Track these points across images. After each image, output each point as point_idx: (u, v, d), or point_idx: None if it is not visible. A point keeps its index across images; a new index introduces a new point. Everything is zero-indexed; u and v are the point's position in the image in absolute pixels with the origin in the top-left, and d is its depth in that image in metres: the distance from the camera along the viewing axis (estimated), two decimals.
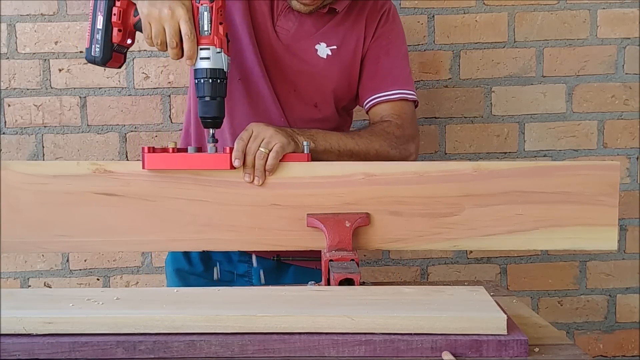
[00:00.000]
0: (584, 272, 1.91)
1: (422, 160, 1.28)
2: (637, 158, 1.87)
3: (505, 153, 1.86)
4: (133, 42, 1.20)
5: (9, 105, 1.79)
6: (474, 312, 0.86)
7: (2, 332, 0.85)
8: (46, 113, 1.80)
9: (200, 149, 1.16)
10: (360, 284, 0.99)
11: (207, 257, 1.41)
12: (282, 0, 1.32)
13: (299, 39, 1.33)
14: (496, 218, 1.13)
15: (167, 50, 1.12)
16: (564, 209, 1.13)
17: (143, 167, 1.12)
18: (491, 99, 1.85)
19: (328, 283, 1.04)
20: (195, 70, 1.13)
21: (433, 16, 1.81)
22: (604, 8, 1.82)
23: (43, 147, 1.80)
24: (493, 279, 1.88)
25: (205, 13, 1.10)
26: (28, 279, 1.84)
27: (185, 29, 1.09)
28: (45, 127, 1.80)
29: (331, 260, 1.06)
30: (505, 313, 0.86)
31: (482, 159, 1.84)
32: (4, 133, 1.79)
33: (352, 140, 1.25)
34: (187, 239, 1.16)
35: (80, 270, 1.84)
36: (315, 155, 1.20)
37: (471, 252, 1.90)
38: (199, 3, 1.11)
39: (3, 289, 0.98)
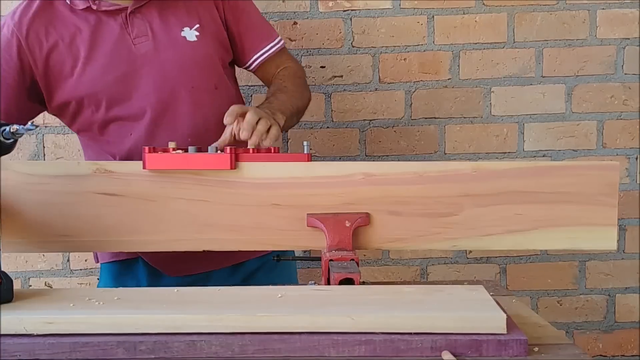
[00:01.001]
0: (584, 272, 1.91)
1: (422, 160, 1.28)
2: (637, 158, 1.87)
3: (505, 153, 1.86)
4: None
5: None
6: (474, 311, 0.86)
7: (2, 333, 0.85)
8: (47, 113, 1.79)
9: (200, 149, 1.16)
10: (360, 284, 1.00)
11: (155, 275, 1.38)
12: (117, 13, 1.29)
13: (160, 37, 1.31)
14: (496, 218, 1.14)
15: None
16: (563, 209, 1.13)
17: (144, 167, 1.12)
18: (491, 99, 1.85)
19: (328, 283, 1.04)
20: None
21: (433, 16, 1.81)
22: (603, 8, 1.83)
23: (44, 147, 1.80)
24: (492, 278, 1.88)
25: None
26: (29, 278, 1.84)
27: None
28: (45, 127, 1.80)
29: (331, 260, 1.06)
30: (505, 312, 0.86)
31: (481, 159, 1.84)
32: None
33: (294, 97, 1.35)
34: (187, 239, 1.16)
35: (80, 270, 1.84)
36: (285, 125, 1.29)
37: (471, 252, 1.90)
38: None
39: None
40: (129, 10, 1.29)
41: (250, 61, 1.44)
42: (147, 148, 1.12)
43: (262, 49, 1.43)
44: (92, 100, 1.29)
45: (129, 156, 1.32)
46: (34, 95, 1.32)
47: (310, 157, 1.16)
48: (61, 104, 1.32)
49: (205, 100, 1.34)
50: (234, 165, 1.13)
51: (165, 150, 1.14)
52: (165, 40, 1.31)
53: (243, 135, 1.15)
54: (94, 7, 1.28)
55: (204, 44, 1.34)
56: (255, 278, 1.42)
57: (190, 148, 1.14)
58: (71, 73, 1.28)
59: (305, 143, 1.17)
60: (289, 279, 1.50)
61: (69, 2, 1.29)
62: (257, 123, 1.16)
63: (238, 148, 1.16)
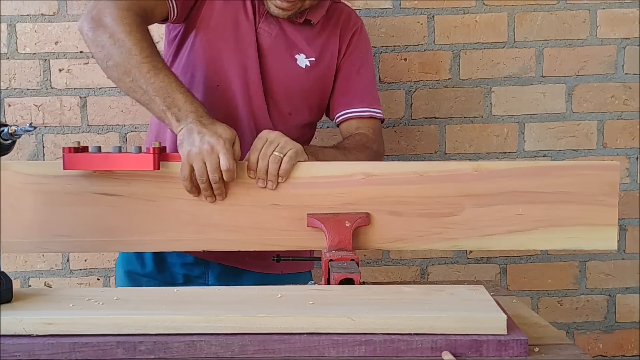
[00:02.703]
0: (584, 272, 1.91)
1: (422, 160, 1.28)
2: (637, 158, 1.87)
3: (505, 153, 1.86)
4: None
5: (9, 105, 1.79)
6: (474, 311, 0.86)
7: (2, 333, 0.85)
8: (46, 113, 1.80)
9: (119, 149, 1.12)
10: (360, 284, 0.99)
11: (160, 259, 1.39)
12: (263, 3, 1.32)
13: (279, 44, 1.33)
14: (496, 218, 1.14)
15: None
16: (563, 209, 1.13)
17: (63, 168, 1.10)
18: (491, 99, 1.85)
19: (328, 283, 1.04)
20: None
21: (433, 16, 1.81)
22: (603, 8, 1.82)
23: (43, 147, 1.80)
24: (493, 278, 1.88)
25: None
26: (28, 278, 1.84)
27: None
28: (45, 127, 1.80)
29: (331, 260, 1.06)
30: (505, 313, 0.86)
31: (482, 159, 1.84)
32: None
33: (344, 155, 1.28)
34: (187, 239, 1.16)
35: (80, 270, 1.84)
36: None
37: (471, 252, 1.90)
38: None
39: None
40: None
41: (338, 114, 1.41)
42: (65, 148, 1.09)
43: (353, 108, 1.40)
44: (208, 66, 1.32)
45: None
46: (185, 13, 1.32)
47: None
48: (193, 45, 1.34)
49: (280, 124, 1.34)
50: (157, 166, 1.10)
51: (85, 150, 1.11)
52: (279, 50, 1.33)
53: (259, 184, 1.14)
54: None
55: (307, 77, 1.35)
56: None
57: (113, 147, 1.11)
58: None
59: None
60: None
61: None
62: (267, 162, 1.13)
63: (163, 147, 1.14)
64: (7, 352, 0.83)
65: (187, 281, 1.39)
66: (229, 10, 1.32)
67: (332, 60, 1.39)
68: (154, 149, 1.10)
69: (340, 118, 1.41)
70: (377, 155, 1.38)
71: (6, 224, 1.14)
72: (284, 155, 1.12)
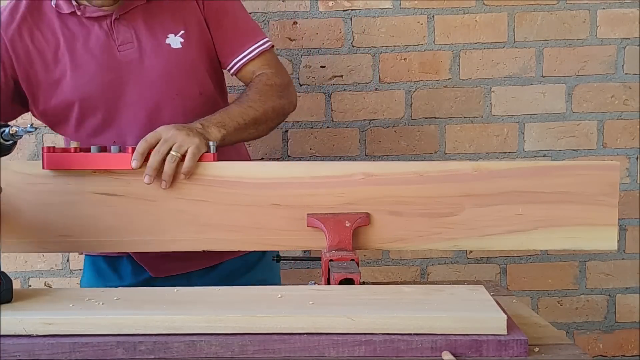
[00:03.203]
0: (584, 272, 1.91)
1: (422, 160, 1.28)
2: (637, 158, 1.87)
3: (505, 153, 1.86)
4: None
5: None
6: (474, 311, 0.86)
7: (2, 333, 0.85)
8: None
9: (104, 149, 1.14)
10: (360, 284, 0.99)
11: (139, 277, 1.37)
12: (103, 20, 1.27)
13: (146, 45, 1.29)
14: (496, 218, 1.13)
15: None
16: (563, 209, 1.13)
17: (43, 168, 1.11)
18: (491, 99, 1.85)
19: (328, 283, 1.04)
20: None
21: (433, 16, 1.81)
22: (603, 8, 1.82)
23: (43, 146, 1.80)
24: (493, 278, 1.88)
25: None
26: (28, 278, 1.84)
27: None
28: (45, 127, 1.79)
29: (331, 260, 1.06)
30: (505, 313, 0.86)
31: (481, 159, 1.84)
32: None
33: (250, 107, 1.27)
34: (187, 239, 1.16)
35: (80, 270, 1.83)
36: (229, 138, 1.21)
37: (471, 252, 1.90)
38: None
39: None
40: (113, 17, 1.28)
41: (230, 65, 1.38)
42: (45, 148, 1.11)
43: (241, 53, 1.37)
44: (77, 107, 1.28)
45: None
46: (17, 97, 1.30)
47: (216, 157, 1.15)
48: (46, 110, 1.30)
49: (190, 107, 1.32)
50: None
51: (66, 150, 1.12)
52: (150, 47, 1.29)
53: (146, 180, 1.11)
54: (79, 13, 1.27)
55: (189, 51, 1.32)
56: (235, 277, 1.40)
57: (93, 147, 1.12)
58: (56, 79, 1.27)
59: (211, 143, 1.15)
60: (272, 278, 1.49)
61: (54, 6, 1.28)
62: (162, 160, 1.11)
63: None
64: (7, 352, 0.83)
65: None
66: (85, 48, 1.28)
67: (198, 18, 1.34)
68: (133, 148, 1.11)
69: (235, 69, 1.37)
70: (284, 87, 1.36)
71: (6, 225, 1.14)
72: (185, 154, 1.11)
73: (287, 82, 1.39)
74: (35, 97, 1.29)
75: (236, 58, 1.37)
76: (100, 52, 1.27)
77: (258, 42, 1.38)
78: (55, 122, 1.34)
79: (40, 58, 1.27)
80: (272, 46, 1.41)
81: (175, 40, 1.31)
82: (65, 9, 1.27)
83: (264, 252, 1.43)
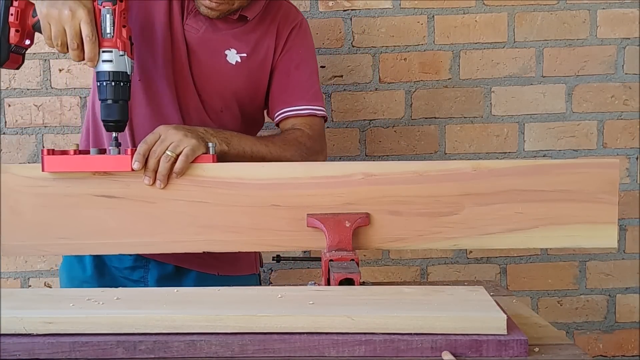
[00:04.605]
0: (584, 272, 1.91)
1: (422, 160, 1.28)
2: (637, 158, 1.87)
3: (505, 153, 1.86)
4: (32, 43, 1.18)
5: (9, 106, 1.79)
6: (474, 311, 0.86)
7: (2, 332, 0.85)
8: (46, 113, 1.80)
9: (103, 151, 1.14)
10: (360, 284, 0.99)
11: (101, 263, 1.37)
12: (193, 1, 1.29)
13: (207, 40, 1.31)
14: (496, 217, 1.13)
15: (67, 51, 1.10)
16: (563, 207, 1.13)
17: (43, 170, 1.11)
18: (491, 99, 1.85)
19: (328, 283, 1.04)
20: (98, 72, 1.12)
21: (433, 16, 1.81)
22: (603, 8, 1.83)
23: (43, 147, 1.80)
24: (493, 278, 1.88)
25: (108, 15, 1.10)
26: (28, 279, 1.84)
27: (86, 30, 1.08)
28: (45, 127, 1.80)
29: (331, 260, 1.06)
30: (505, 313, 0.86)
31: (481, 159, 1.84)
32: (4, 133, 1.79)
33: (266, 146, 1.25)
34: (187, 240, 1.16)
35: None
36: (228, 159, 1.20)
37: (471, 252, 1.90)
38: (101, 5, 1.09)
39: (3, 289, 0.98)
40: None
41: (276, 113, 1.37)
42: (45, 150, 1.11)
43: (293, 106, 1.36)
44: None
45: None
46: None
47: (216, 159, 1.15)
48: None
49: (210, 119, 1.33)
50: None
51: (65, 153, 1.12)
52: (208, 46, 1.31)
53: (145, 181, 1.12)
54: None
55: (238, 73, 1.33)
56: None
57: (92, 149, 1.13)
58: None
59: (210, 144, 1.15)
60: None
61: None
62: (159, 161, 1.12)
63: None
64: (7, 351, 0.83)
65: (124, 286, 1.37)
66: (148, 10, 1.29)
67: (267, 56, 1.35)
68: (132, 150, 1.11)
69: (279, 117, 1.37)
70: (313, 153, 1.33)
71: (6, 227, 1.14)
72: (179, 154, 1.11)
73: (318, 149, 1.36)
74: None
75: (286, 108, 1.36)
76: (160, 24, 1.29)
77: (314, 105, 1.38)
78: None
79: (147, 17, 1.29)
80: (326, 119, 1.41)
81: (232, 56, 1.32)
82: None
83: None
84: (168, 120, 1.29)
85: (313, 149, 1.33)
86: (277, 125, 1.39)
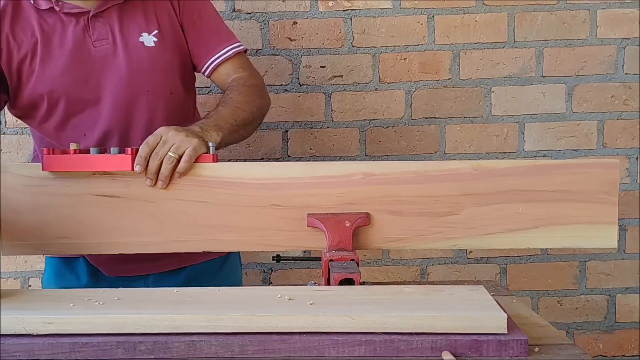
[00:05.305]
0: (584, 272, 1.91)
1: (422, 160, 1.28)
2: (637, 158, 1.87)
3: (505, 153, 1.86)
4: None
5: None
6: (474, 311, 0.86)
7: (2, 333, 0.85)
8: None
9: (104, 151, 1.14)
10: (360, 284, 0.99)
11: (96, 271, 1.38)
12: (80, 16, 1.29)
13: (119, 41, 1.32)
14: (496, 217, 1.13)
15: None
16: (563, 207, 1.13)
17: (42, 169, 1.11)
18: (491, 99, 1.85)
19: (328, 283, 1.04)
20: None
21: (433, 16, 1.81)
22: (603, 8, 1.83)
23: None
24: (493, 278, 1.88)
25: None
26: (28, 279, 1.84)
27: None
28: None
29: (331, 260, 1.06)
30: (505, 313, 0.86)
31: (481, 159, 1.83)
32: (4, 133, 1.79)
33: (239, 109, 1.29)
34: (187, 240, 1.16)
35: None
36: (225, 140, 1.22)
37: (471, 251, 1.90)
38: None
39: (3, 288, 0.98)
40: (91, 14, 1.30)
41: (204, 66, 1.41)
42: (45, 150, 1.11)
43: (215, 53, 1.40)
44: (50, 99, 1.30)
45: None
46: (3, 86, 1.32)
47: (217, 158, 1.16)
48: (18, 103, 1.32)
49: (160, 106, 1.34)
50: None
51: (65, 152, 1.12)
52: (123, 44, 1.32)
53: (147, 183, 1.13)
54: (57, 9, 1.29)
55: (161, 50, 1.34)
56: (196, 282, 1.37)
57: (92, 149, 1.13)
58: (31, 71, 1.29)
59: (210, 144, 1.15)
60: (234, 284, 1.49)
61: (32, 2, 1.29)
62: (162, 162, 1.12)
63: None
64: (7, 351, 0.83)
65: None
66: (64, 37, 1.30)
67: (173, 21, 1.37)
68: (132, 149, 1.12)
69: (209, 69, 1.40)
70: (261, 87, 1.40)
71: (6, 227, 1.14)
72: (182, 155, 1.12)
73: (262, 83, 1.43)
74: (15, 91, 1.31)
75: (211, 58, 1.40)
76: (74, 47, 1.29)
77: (232, 44, 1.42)
78: (23, 114, 1.36)
79: (18, 53, 1.28)
80: (246, 50, 1.45)
81: (148, 39, 1.33)
82: (44, 5, 1.29)
83: (226, 258, 1.46)
84: (134, 133, 1.31)
85: (259, 85, 1.41)
86: (210, 77, 1.43)
